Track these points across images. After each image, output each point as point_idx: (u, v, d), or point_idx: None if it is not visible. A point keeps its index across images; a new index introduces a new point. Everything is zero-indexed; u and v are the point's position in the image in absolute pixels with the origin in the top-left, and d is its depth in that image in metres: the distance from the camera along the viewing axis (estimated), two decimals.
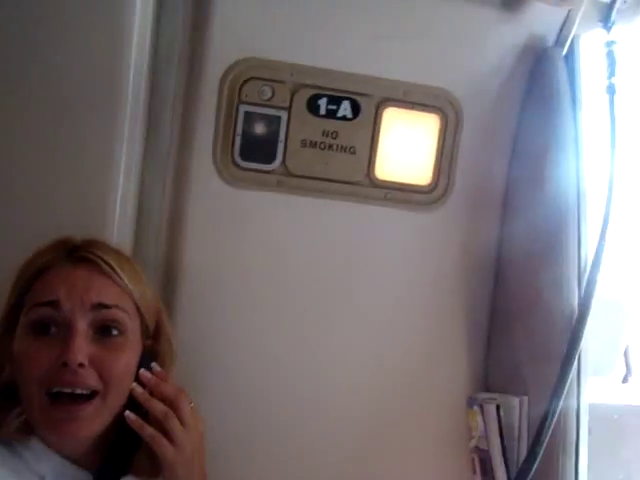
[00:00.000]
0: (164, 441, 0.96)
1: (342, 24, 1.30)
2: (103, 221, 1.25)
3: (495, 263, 1.41)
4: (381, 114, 1.33)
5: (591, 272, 1.22)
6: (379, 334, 1.38)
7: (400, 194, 1.36)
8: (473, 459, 1.33)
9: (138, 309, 1.03)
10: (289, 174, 1.32)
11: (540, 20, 1.33)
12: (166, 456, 0.97)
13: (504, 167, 1.39)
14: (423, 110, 1.35)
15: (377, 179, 1.35)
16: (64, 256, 1.00)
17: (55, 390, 0.93)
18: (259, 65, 1.28)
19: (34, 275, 0.99)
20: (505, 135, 1.39)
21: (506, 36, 1.33)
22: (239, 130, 1.30)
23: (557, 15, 1.32)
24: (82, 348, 0.93)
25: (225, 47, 1.27)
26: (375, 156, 1.34)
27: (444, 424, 1.39)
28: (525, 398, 1.28)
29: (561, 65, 1.33)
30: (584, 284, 1.22)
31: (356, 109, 1.32)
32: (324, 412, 1.37)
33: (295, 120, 1.31)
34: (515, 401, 1.28)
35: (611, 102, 1.29)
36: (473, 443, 1.32)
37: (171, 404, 0.98)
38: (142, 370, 1.01)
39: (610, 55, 1.31)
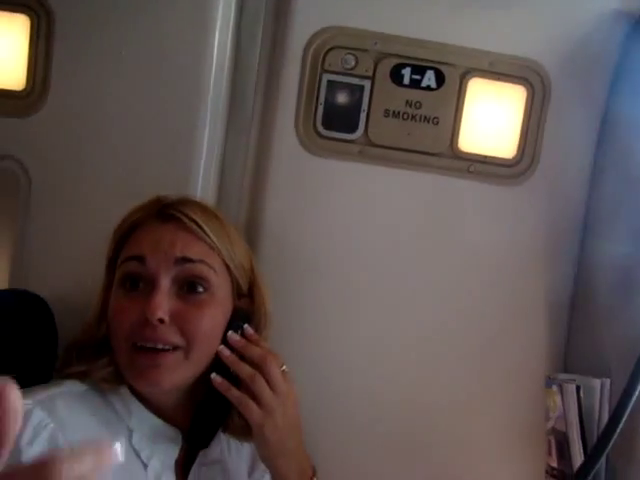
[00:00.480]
0: (250, 403, 0.96)
1: None
2: (186, 187, 1.28)
3: (580, 241, 1.36)
4: (466, 85, 1.31)
5: None
6: (458, 308, 1.36)
7: (484, 167, 1.33)
8: (549, 440, 1.29)
9: (227, 267, 1.03)
10: (371, 144, 1.31)
11: None
12: (253, 419, 0.97)
13: (592, 142, 1.34)
14: (509, 81, 1.32)
15: (460, 151, 1.32)
16: (154, 214, 1.03)
17: (139, 344, 0.96)
18: (343, 34, 1.28)
19: (126, 232, 1.03)
20: (595, 107, 1.34)
21: (598, 2, 1.28)
22: (322, 99, 1.30)
23: None
24: (162, 303, 0.95)
25: (309, 16, 1.28)
26: (459, 127, 1.32)
27: (520, 402, 1.36)
28: (607, 380, 1.24)
29: None
30: None
31: (440, 79, 1.30)
32: (401, 383, 1.36)
33: (378, 89, 1.30)
34: (596, 383, 1.24)
35: None
36: (550, 424, 1.29)
37: (259, 367, 0.98)
38: (230, 333, 1.01)
39: None
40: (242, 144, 1.32)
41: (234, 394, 0.97)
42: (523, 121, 1.33)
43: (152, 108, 1.29)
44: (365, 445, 1.37)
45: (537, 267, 1.37)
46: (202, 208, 1.05)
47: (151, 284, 0.97)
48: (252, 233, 1.31)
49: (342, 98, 1.30)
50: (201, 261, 0.99)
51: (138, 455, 0.97)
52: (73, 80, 1.28)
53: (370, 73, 1.29)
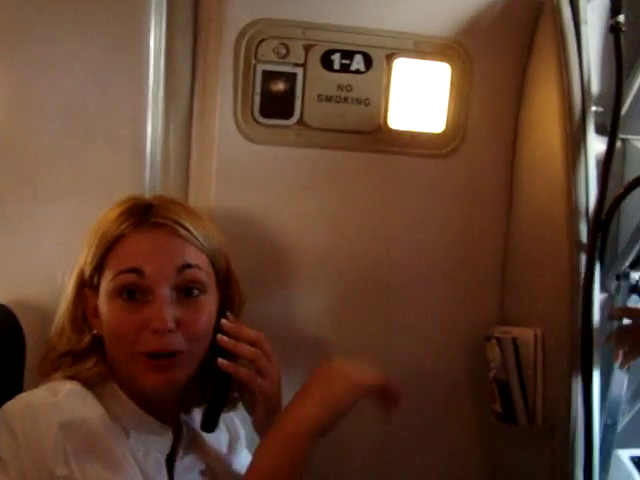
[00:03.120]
0: (259, 378, 1.06)
1: None
2: (134, 182, 1.34)
3: (508, 205, 1.49)
4: (393, 65, 1.40)
5: (596, 211, 1.31)
6: (399, 278, 1.48)
7: (414, 143, 1.44)
8: (493, 388, 1.43)
9: (212, 263, 1.09)
10: (307, 128, 1.40)
11: None
12: (264, 391, 1.06)
13: (514, 114, 1.47)
14: (433, 59, 1.42)
15: (392, 129, 1.43)
16: (141, 221, 1.05)
17: (147, 352, 1.00)
18: (273, 25, 1.35)
19: (114, 241, 1.04)
20: (514, 81, 1.46)
21: None
22: (257, 88, 1.37)
23: None
24: (168, 314, 0.99)
25: (238, 9, 1.34)
26: (389, 107, 1.41)
27: (465, 357, 1.50)
28: (539, 330, 1.37)
29: (567, 9, 1.38)
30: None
31: (368, 62, 1.39)
32: (355, 339, 1.47)
33: (310, 76, 1.38)
34: (530, 333, 1.38)
35: (616, 41, 1.35)
36: (492, 374, 1.42)
37: (256, 344, 1.07)
38: (223, 321, 1.08)
39: None
40: (184, 136, 1.39)
41: (242, 373, 1.06)
42: (449, 97, 1.44)
43: (91, 106, 1.33)
44: None
45: (470, 231, 1.49)
46: (185, 210, 1.10)
47: (151, 294, 1.01)
48: None
49: (277, 86, 1.38)
50: (197, 266, 1.04)
51: (134, 455, 1.00)
52: (9, 78, 1.31)
53: (302, 61, 1.37)
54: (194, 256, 1.05)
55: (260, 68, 1.36)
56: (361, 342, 1.46)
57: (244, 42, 1.35)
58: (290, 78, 1.38)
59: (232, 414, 1.20)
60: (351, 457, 1.49)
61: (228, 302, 1.13)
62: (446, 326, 1.50)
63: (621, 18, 1.34)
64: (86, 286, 1.07)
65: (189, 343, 1.02)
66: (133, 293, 1.01)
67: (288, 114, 1.39)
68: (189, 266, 1.03)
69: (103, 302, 1.04)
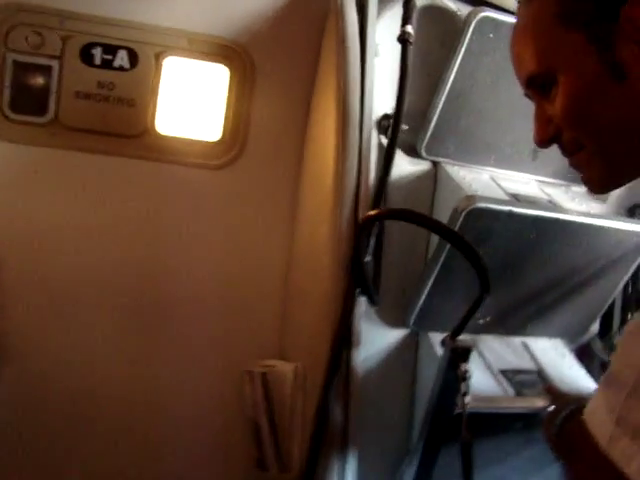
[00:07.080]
0: None
1: None
2: None
3: (291, 224, 1.35)
4: (163, 64, 1.28)
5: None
6: (166, 297, 1.35)
7: (186, 151, 1.32)
8: (251, 430, 1.28)
9: None
10: (63, 127, 1.28)
11: None
12: None
13: (302, 124, 1.34)
14: (210, 60, 1.30)
15: (160, 134, 1.31)
16: None
17: None
18: (25, 10, 1.24)
19: None
20: (303, 90, 1.34)
21: None
22: (7, 81, 1.25)
23: None
24: None
25: None
26: (156, 109, 1.29)
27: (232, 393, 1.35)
28: (300, 365, 1.23)
29: (352, 13, 1.26)
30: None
31: (134, 59, 1.28)
32: (114, 396, 1.35)
33: (68, 70, 1.27)
34: (289, 368, 1.23)
35: (403, 51, 1.23)
36: (247, 412, 1.27)
37: None
38: None
39: (406, 4, 1.25)
40: None
41: None
42: (228, 102, 1.32)
43: None
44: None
45: (250, 250, 1.36)
46: None
47: None
48: None
49: (29, 79, 1.26)
50: None
51: None
52: None
53: (58, 53, 1.26)
54: None
55: (10, 58, 1.25)
56: (128, 369, 1.33)
57: None
58: (44, 71, 1.26)
59: None
60: None
61: None
62: (222, 355, 1.36)
63: (409, 28, 1.23)
64: None
65: None
66: None
67: (42, 111, 1.27)
68: None
69: None
